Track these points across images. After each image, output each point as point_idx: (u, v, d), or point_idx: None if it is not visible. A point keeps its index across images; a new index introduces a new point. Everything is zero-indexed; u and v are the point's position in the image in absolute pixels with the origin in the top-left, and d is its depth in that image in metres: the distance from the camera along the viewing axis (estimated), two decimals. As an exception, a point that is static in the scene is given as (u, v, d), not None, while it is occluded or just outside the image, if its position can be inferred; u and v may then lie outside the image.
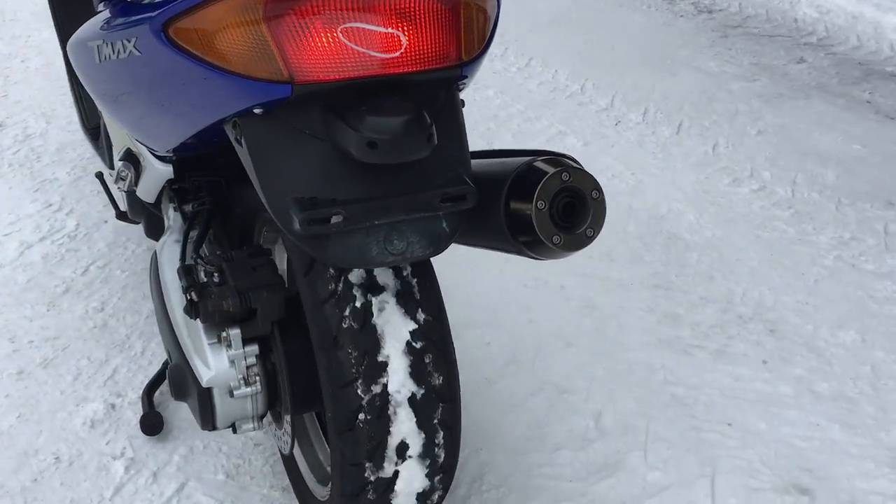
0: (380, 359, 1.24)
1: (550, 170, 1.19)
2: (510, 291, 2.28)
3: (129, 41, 1.18)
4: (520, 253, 1.26)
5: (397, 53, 1.05)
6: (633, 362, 2.06)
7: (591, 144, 3.05)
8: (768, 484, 1.75)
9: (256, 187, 1.12)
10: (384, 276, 1.26)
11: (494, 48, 3.58)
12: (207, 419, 1.38)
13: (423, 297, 1.28)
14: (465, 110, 1.25)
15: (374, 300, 1.24)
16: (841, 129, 3.22)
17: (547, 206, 1.18)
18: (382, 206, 1.11)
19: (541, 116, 3.25)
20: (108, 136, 1.83)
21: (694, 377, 2.02)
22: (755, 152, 3.03)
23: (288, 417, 1.41)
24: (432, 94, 1.14)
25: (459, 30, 1.10)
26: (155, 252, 1.59)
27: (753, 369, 2.06)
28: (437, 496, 1.33)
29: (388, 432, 1.25)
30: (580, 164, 1.26)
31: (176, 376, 1.42)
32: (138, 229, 2.40)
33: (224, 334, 1.35)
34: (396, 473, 1.27)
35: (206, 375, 1.35)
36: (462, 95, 1.24)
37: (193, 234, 1.52)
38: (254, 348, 1.36)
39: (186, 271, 1.38)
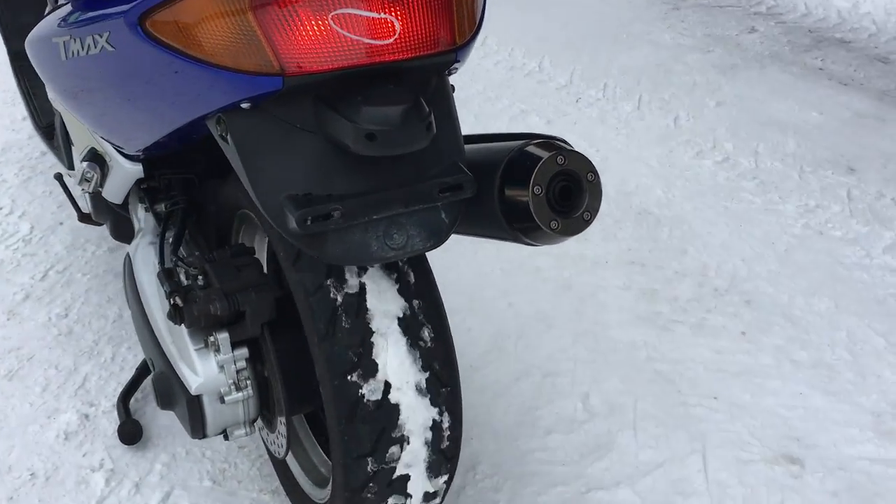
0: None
1: (545, 154, 1.16)
2: (486, 275, 2.25)
3: (101, 36, 1.10)
4: (515, 240, 1.23)
5: (391, 40, 1.00)
6: (616, 341, 2.05)
7: (554, 122, 3.03)
8: (758, 455, 1.76)
9: (247, 186, 1.07)
10: None
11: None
12: (198, 427, 1.33)
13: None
14: None
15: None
16: (797, 97, 3.25)
17: (543, 190, 1.15)
18: (381, 200, 1.06)
19: (501, 96, 3.22)
20: (67, 136, 1.75)
21: (676, 352, 2.02)
22: (716, 124, 3.05)
23: (282, 419, 1.36)
24: (425, 80, 1.10)
25: (452, 13, 1.06)
26: (127, 256, 1.52)
27: (733, 341, 2.07)
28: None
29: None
30: (572, 146, 1.23)
31: (161, 385, 1.36)
32: (97, 230, 2.32)
33: (211, 339, 1.30)
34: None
35: (194, 382, 1.29)
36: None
37: (169, 235, 1.46)
38: (243, 352, 1.31)
39: (168, 275, 1.32)
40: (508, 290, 2.20)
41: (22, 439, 1.74)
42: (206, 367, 1.29)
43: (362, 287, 1.21)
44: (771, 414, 1.86)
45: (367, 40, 0.99)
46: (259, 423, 1.45)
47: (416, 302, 1.24)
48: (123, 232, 1.73)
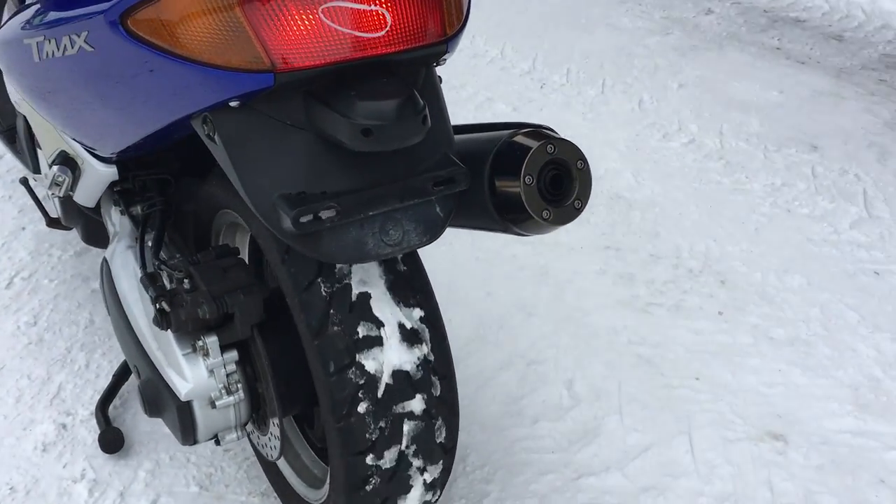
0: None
1: (534, 143, 1.15)
2: (462, 265, 2.24)
3: (79, 36, 1.06)
4: (505, 230, 1.22)
5: (382, 32, 0.98)
6: (596, 326, 2.06)
7: (520, 109, 3.03)
8: (743, 434, 1.78)
9: (237, 186, 1.04)
10: None
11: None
12: (189, 434, 1.30)
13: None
14: None
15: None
16: (757, 76, 3.29)
17: (534, 180, 1.14)
18: (376, 196, 1.05)
19: (465, 84, 3.20)
20: (32, 139, 1.69)
21: (656, 335, 2.04)
22: (679, 106, 3.07)
23: (275, 421, 1.34)
24: (415, 73, 1.08)
25: (441, 3, 1.04)
26: (104, 261, 1.48)
27: (711, 321, 2.09)
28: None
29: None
30: (559, 134, 1.23)
31: (148, 392, 1.33)
32: (62, 234, 2.25)
33: (199, 343, 1.27)
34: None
35: (183, 388, 1.26)
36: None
37: (148, 238, 1.42)
38: (233, 355, 1.29)
39: (151, 280, 1.28)
40: (486, 279, 2.20)
41: (-2, 453, 1.69)
42: (195, 373, 1.26)
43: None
44: (752, 392, 1.88)
45: (358, 33, 0.97)
46: (249, 426, 1.42)
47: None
48: (95, 236, 1.69)
